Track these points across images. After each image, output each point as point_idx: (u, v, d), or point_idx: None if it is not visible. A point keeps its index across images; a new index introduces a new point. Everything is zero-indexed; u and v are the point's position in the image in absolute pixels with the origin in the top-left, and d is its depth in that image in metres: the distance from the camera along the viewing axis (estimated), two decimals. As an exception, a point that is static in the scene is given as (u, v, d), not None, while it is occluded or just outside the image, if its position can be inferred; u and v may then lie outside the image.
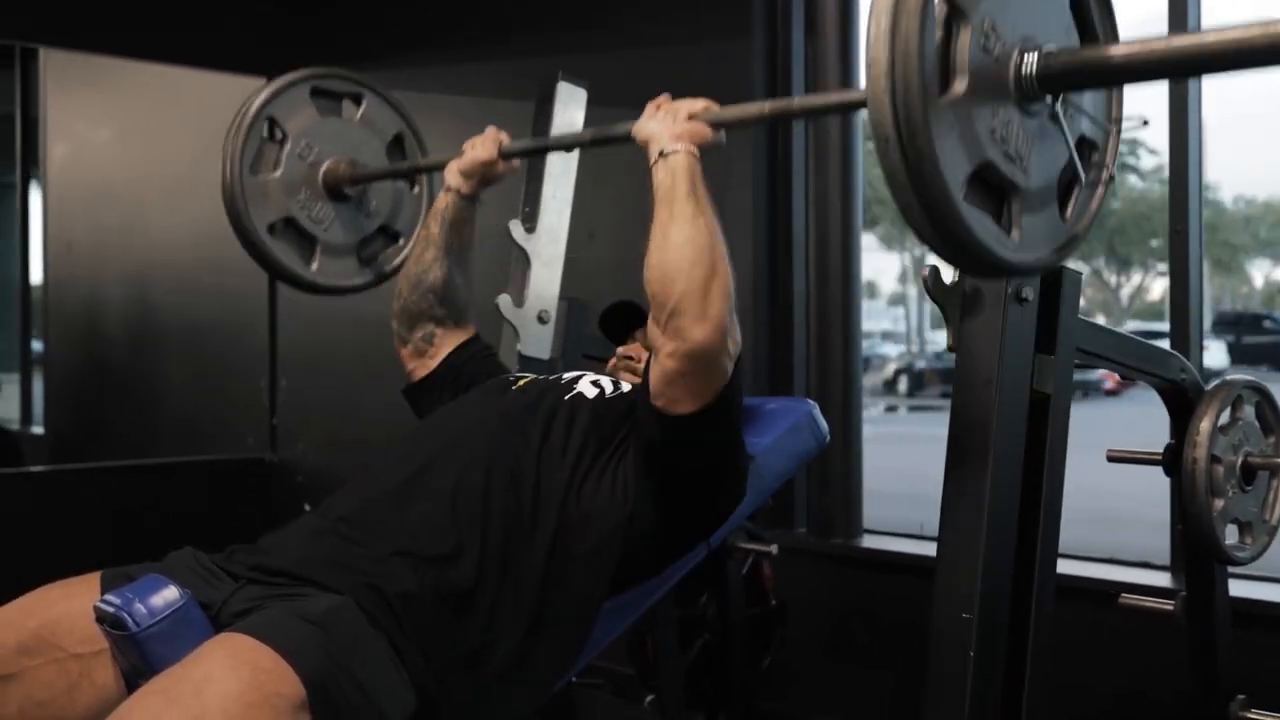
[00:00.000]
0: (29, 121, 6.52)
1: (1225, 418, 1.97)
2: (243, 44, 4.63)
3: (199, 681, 1.36)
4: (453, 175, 2.14)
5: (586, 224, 3.47)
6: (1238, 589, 2.16)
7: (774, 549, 2.80)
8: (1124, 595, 2.12)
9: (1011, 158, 1.32)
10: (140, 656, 1.48)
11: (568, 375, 1.98)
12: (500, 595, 1.65)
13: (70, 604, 1.60)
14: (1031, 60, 1.31)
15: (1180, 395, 2.00)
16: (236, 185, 2.37)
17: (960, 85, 1.24)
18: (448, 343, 2.13)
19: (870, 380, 20.62)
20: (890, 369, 20.76)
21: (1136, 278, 27.29)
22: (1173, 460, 1.97)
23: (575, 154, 2.54)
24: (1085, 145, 1.48)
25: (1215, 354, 19.02)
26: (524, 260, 2.49)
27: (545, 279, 2.50)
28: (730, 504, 1.80)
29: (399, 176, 2.55)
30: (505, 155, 2.14)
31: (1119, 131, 1.51)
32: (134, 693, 1.40)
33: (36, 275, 6.69)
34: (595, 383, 1.93)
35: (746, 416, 2.14)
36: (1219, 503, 1.93)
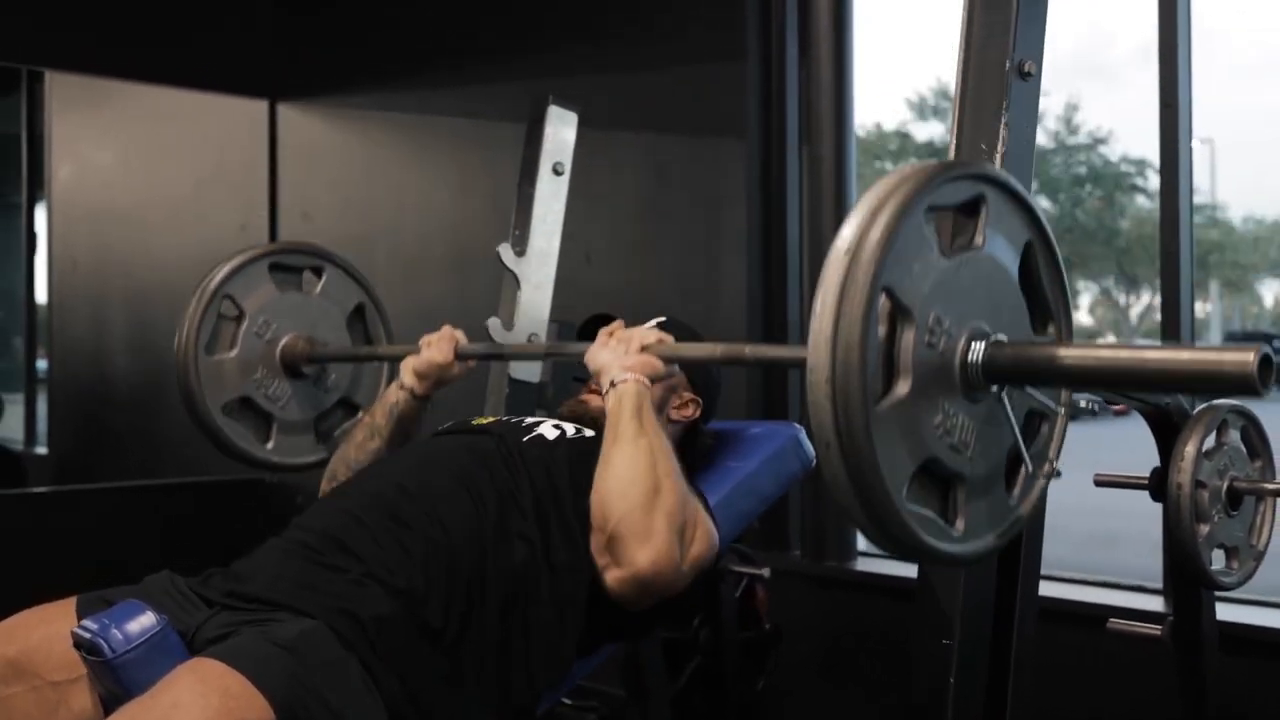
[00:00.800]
0: (35, 142, 6.57)
1: (1210, 442, 1.95)
2: (244, 67, 4.66)
3: (168, 708, 1.36)
4: (408, 374, 2.13)
5: (583, 246, 3.49)
6: (1226, 613, 2.15)
7: (766, 572, 2.80)
8: (1112, 620, 2.10)
9: (957, 449, 1.29)
10: (116, 682, 1.48)
11: (529, 419, 1.99)
12: (466, 630, 1.65)
13: (47, 630, 1.61)
14: (978, 350, 1.27)
15: (1165, 419, 1.99)
16: (191, 367, 2.35)
17: (903, 387, 1.21)
18: None
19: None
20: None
21: (1145, 297, 27.25)
22: (1158, 485, 1.96)
23: (565, 176, 2.55)
24: (1035, 419, 1.44)
25: (1225, 373, 18.92)
26: (514, 283, 2.49)
27: (535, 302, 2.50)
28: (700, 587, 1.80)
29: (357, 361, 2.54)
30: (461, 357, 2.14)
31: (1067, 415, 1.46)
32: None
33: (41, 295, 6.73)
34: (557, 426, 1.94)
35: (731, 441, 2.15)
36: (1204, 528, 1.91)
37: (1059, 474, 1.44)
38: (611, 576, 1.64)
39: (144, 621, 1.50)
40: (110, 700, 1.52)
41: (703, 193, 3.42)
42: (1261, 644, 2.34)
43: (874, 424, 1.16)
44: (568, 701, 3.22)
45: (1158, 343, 1.24)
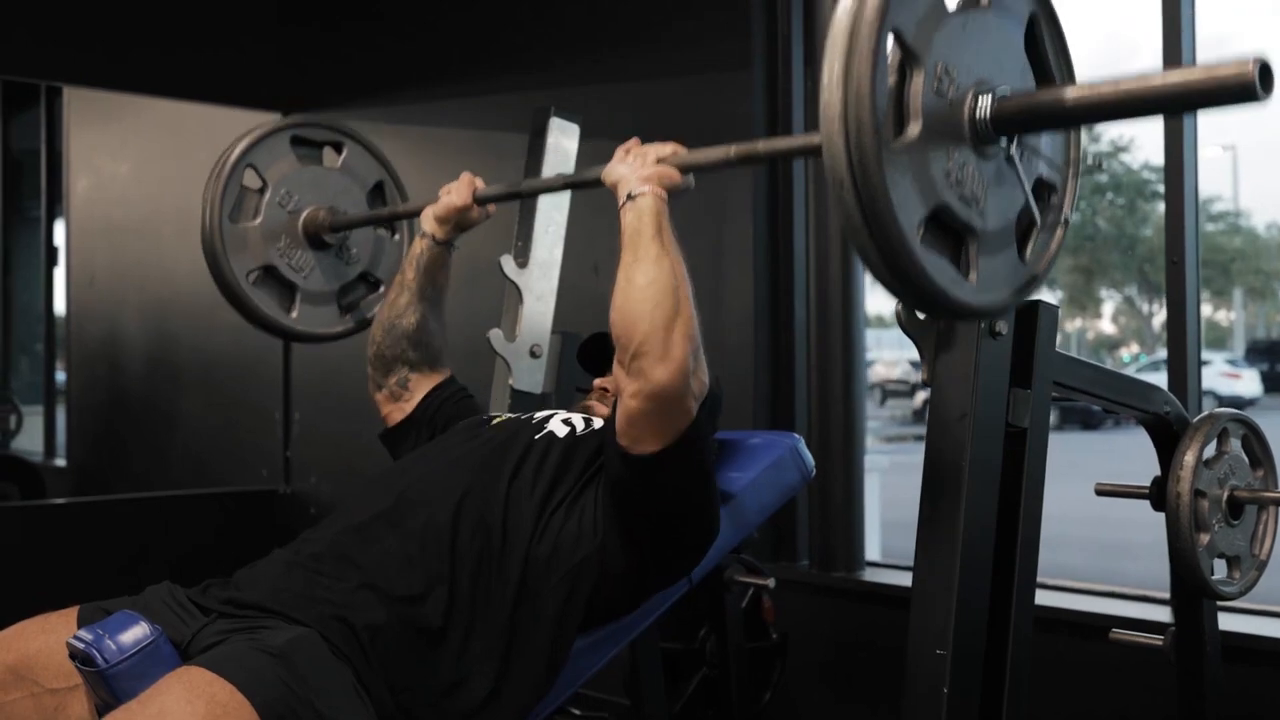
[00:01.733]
0: (53, 156, 6.63)
1: (1211, 451, 1.95)
2: (256, 80, 4.70)
3: (154, 716, 1.37)
4: (428, 221, 2.16)
5: (591, 257, 3.49)
6: (1230, 623, 2.14)
7: (771, 582, 2.79)
8: (1114, 630, 2.10)
9: (968, 200, 1.33)
10: (110, 692, 1.49)
11: (539, 415, 1.99)
12: (469, 634, 1.66)
13: (47, 639, 1.62)
14: (986, 103, 1.32)
15: (1165, 428, 1.98)
16: (216, 233, 2.37)
17: (914, 129, 1.25)
18: (422, 387, 2.15)
19: (902, 409, 20.54)
20: (920, 398, 20.69)
21: (1169, 305, 27.00)
22: (1158, 494, 1.95)
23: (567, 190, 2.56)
24: (1044, 187, 1.48)
25: (1249, 382, 18.83)
26: (516, 294, 2.50)
27: (538, 313, 2.50)
28: (701, 540, 1.80)
29: (377, 223, 2.56)
30: (480, 201, 2.16)
31: (1077, 174, 1.51)
32: None
33: (60, 308, 6.79)
34: (566, 421, 1.94)
35: (730, 451, 2.14)
36: (1204, 537, 1.91)
37: (1069, 219, 1.49)
38: (629, 389, 1.65)
39: (137, 632, 1.51)
40: (105, 709, 1.53)
41: (709, 202, 3.42)
42: (1265, 654, 2.32)
43: (887, 161, 1.20)
44: (576, 712, 3.22)
45: (1158, 70, 1.29)
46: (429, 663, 1.63)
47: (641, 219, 1.72)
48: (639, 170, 1.77)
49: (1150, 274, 25.89)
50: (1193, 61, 2.64)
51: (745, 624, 2.88)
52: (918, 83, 1.26)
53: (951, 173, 1.30)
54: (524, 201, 2.54)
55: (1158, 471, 1.97)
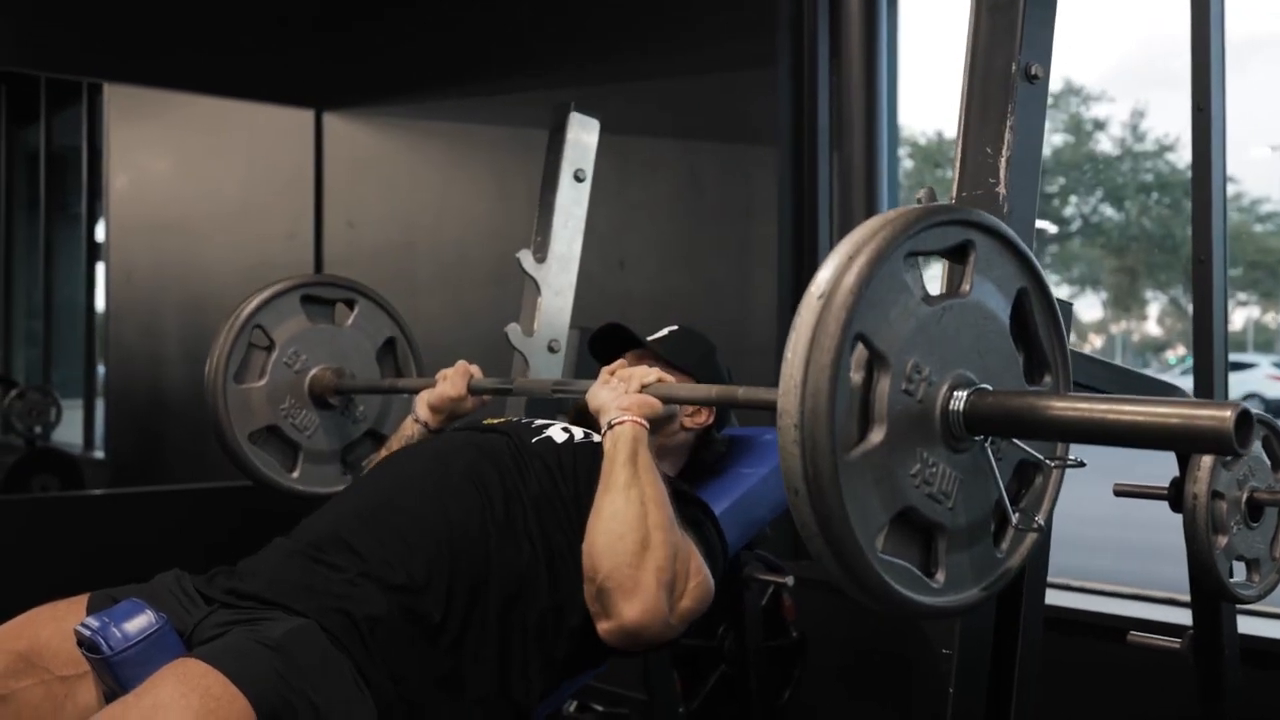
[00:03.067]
0: (94, 153, 6.70)
1: (1230, 452, 1.92)
2: (293, 78, 4.74)
3: (149, 710, 1.38)
4: (422, 408, 2.17)
5: (618, 253, 3.50)
6: (1249, 626, 2.11)
7: (790, 580, 2.78)
8: (1132, 632, 2.07)
9: (936, 499, 1.26)
10: (114, 679, 1.51)
11: (538, 421, 2.00)
12: (468, 627, 1.66)
13: (57, 626, 1.64)
14: (959, 402, 1.24)
15: (1183, 428, 1.95)
16: (219, 395, 2.38)
17: (877, 435, 1.19)
18: None
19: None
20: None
21: (1216, 307, 26.64)
22: (1177, 496, 1.92)
23: (586, 183, 2.56)
24: (1028, 468, 1.40)
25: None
26: (534, 289, 2.51)
27: (556, 308, 2.51)
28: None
29: (380, 393, 2.56)
30: (474, 391, 2.16)
31: (1062, 468, 1.41)
32: None
33: (100, 304, 6.86)
34: (565, 429, 1.95)
35: (742, 447, 2.14)
36: (1222, 539, 1.88)
37: (1040, 529, 1.38)
38: (601, 627, 1.65)
39: (142, 621, 1.52)
40: (112, 697, 1.54)
41: (735, 199, 3.41)
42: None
43: (843, 472, 1.14)
44: (598, 708, 3.22)
45: (1153, 398, 1.18)
46: (430, 652, 1.63)
47: (617, 446, 1.73)
48: (620, 400, 1.79)
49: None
50: (1221, 60, 2.60)
51: (765, 622, 2.88)
52: (884, 385, 1.19)
53: (919, 474, 1.23)
54: (543, 196, 2.56)
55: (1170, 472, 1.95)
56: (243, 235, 5.23)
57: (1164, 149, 24.12)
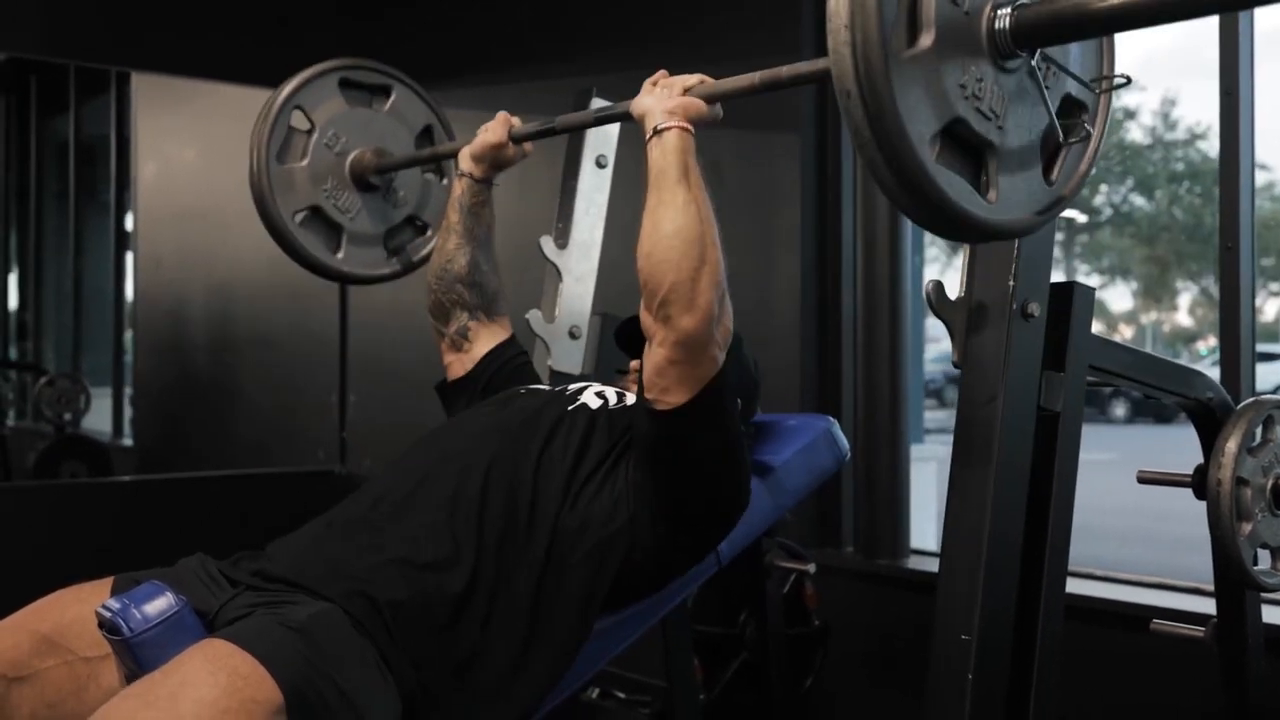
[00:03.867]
0: (123, 142, 6.75)
1: (1256, 438, 1.90)
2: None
3: (175, 687, 1.38)
4: (465, 160, 2.16)
5: (635, 239, 3.48)
6: (1274, 615, 2.09)
7: (812, 568, 2.78)
8: (1155, 621, 2.06)
9: (986, 115, 1.27)
10: (135, 660, 1.51)
11: (573, 386, 1.99)
12: (494, 602, 1.66)
13: (81, 608, 1.65)
14: (1005, 14, 1.26)
15: (1208, 415, 1.94)
16: (263, 174, 2.39)
17: (926, 40, 1.20)
18: (483, 340, 2.15)
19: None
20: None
21: (1247, 297, 26.40)
22: (1201, 483, 1.91)
23: (609, 169, 2.55)
24: (1072, 105, 1.41)
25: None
26: (555, 275, 2.50)
27: (577, 294, 2.50)
28: (731, 506, 1.78)
29: (419, 163, 2.55)
30: (515, 139, 2.14)
31: (1110, 89, 1.43)
32: (115, 697, 1.44)
33: (129, 291, 6.92)
34: (600, 394, 1.94)
35: (764, 433, 2.13)
36: (1246, 526, 1.86)
37: (1091, 133, 1.41)
38: (658, 335, 1.65)
39: (162, 603, 1.53)
40: (131, 678, 1.55)
41: (758, 187, 3.40)
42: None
43: (894, 70, 1.16)
44: (621, 695, 3.23)
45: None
46: (451, 634, 1.62)
47: (667, 156, 1.71)
48: (664, 102, 1.75)
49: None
50: (1250, 43, 2.58)
51: (786, 609, 2.87)
52: None
53: (968, 86, 1.24)
54: (565, 183, 2.55)
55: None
56: (267, 224, 5.26)
57: (1195, 137, 23.90)
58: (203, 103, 5.72)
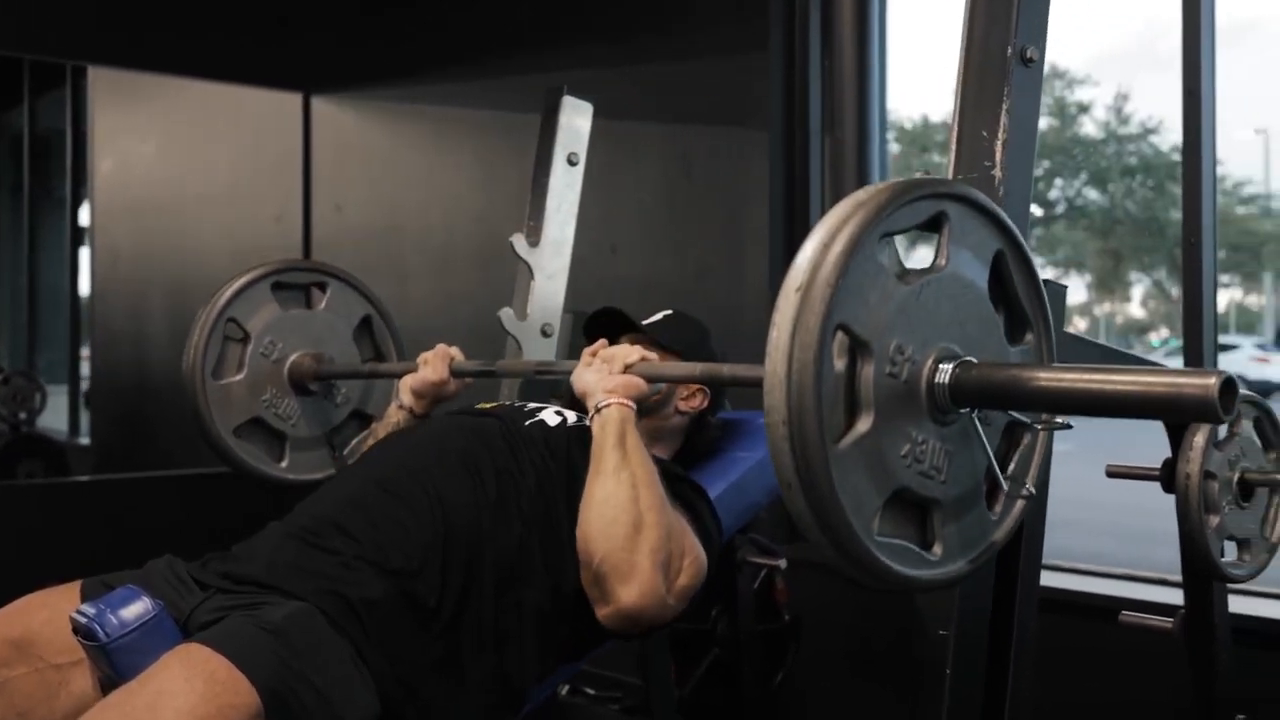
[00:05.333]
0: (79, 137, 6.65)
1: (1222, 432, 1.93)
2: (278, 60, 4.71)
3: (153, 696, 1.38)
4: (406, 394, 2.15)
5: (609, 237, 3.49)
6: (1240, 605, 2.12)
7: (783, 563, 2.79)
8: (1124, 613, 2.08)
9: (928, 475, 1.26)
10: (111, 666, 1.50)
11: (531, 405, 2.00)
12: (464, 610, 1.66)
13: (50, 613, 1.64)
14: (944, 377, 1.24)
15: (1176, 410, 1.96)
16: (200, 393, 2.36)
17: (865, 422, 1.19)
18: None
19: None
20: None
21: (1199, 289, 26.74)
22: (1169, 476, 1.94)
23: (580, 167, 2.55)
24: (1016, 429, 1.40)
25: (1279, 367, 18.65)
26: (527, 273, 2.50)
27: (549, 292, 2.51)
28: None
29: (360, 378, 2.54)
30: (456, 374, 2.15)
31: (1049, 430, 1.41)
32: (92, 709, 1.42)
33: (84, 288, 6.82)
34: (558, 412, 1.95)
35: (737, 430, 2.14)
36: (1214, 519, 1.89)
37: (1030, 495, 1.39)
38: (600, 612, 1.65)
39: (138, 608, 1.52)
40: (108, 684, 1.54)
41: (726, 183, 3.41)
42: (1276, 637, 2.30)
43: (833, 463, 1.14)
44: (590, 691, 3.23)
45: (1133, 367, 1.18)
46: (426, 635, 1.63)
47: (605, 429, 1.72)
48: (605, 381, 1.78)
49: (1179, 257, 25.57)
50: (1211, 43, 2.60)
51: (757, 605, 2.89)
52: (868, 371, 1.19)
53: (909, 453, 1.24)
54: (536, 180, 2.55)
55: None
56: (230, 219, 5.21)
57: (1148, 131, 24.17)
58: (162, 98, 5.65)
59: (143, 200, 5.98)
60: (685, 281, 3.47)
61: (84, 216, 6.90)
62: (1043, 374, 1.25)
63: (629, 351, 1.82)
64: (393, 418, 2.16)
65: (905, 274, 1.24)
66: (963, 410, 1.27)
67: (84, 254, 6.97)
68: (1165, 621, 2.02)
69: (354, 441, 2.48)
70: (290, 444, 2.47)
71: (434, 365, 2.13)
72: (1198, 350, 2.57)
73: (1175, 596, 2.56)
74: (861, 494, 1.19)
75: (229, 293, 2.41)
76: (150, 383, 5.99)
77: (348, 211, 4.62)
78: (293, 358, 2.46)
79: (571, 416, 1.93)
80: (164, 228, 5.77)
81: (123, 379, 6.23)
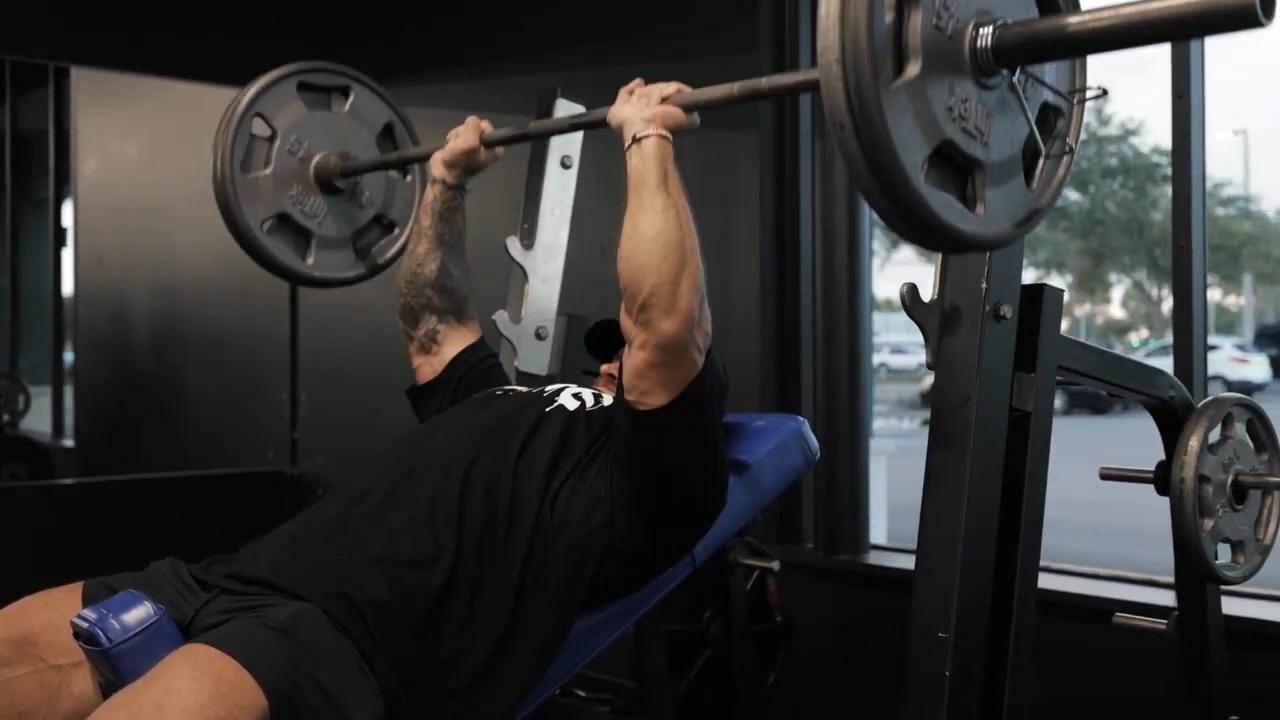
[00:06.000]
0: (61, 137, 6.63)
1: (1215, 436, 1.94)
2: (266, 62, 4.67)
3: (160, 696, 1.37)
4: (437, 166, 2.16)
5: (598, 238, 3.47)
6: (1233, 607, 2.14)
7: (776, 565, 2.80)
8: (1118, 614, 2.10)
9: (971, 134, 1.32)
10: (113, 671, 1.49)
11: (550, 388, 1.99)
12: (473, 600, 1.66)
13: (51, 615, 1.63)
14: (986, 34, 1.30)
15: (1169, 413, 1.98)
16: (228, 184, 2.36)
17: (914, 67, 1.24)
18: (452, 342, 2.16)
19: (909, 391, 20.49)
20: (928, 380, 20.56)
21: (1179, 290, 26.94)
22: (1163, 479, 1.95)
23: (574, 170, 2.55)
24: (1050, 113, 1.46)
25: (1258, 368, 18.78)
26: (522, 276, 2.50)
27: (543, 295, 2.50)
28: (708, 505, 1.80)
29: (387, 167, 2.54)
30: (487, 143, 2.15)
31: (1083, 101, 1.49)
32: (99, 708, 1.42)
33: (68, 288, 6.80)
34: (577, 395, 1.95)
35: (735, 433, 2.15)
36: (1209, 522, 1.91)
37: (1072, 149, 1.46)
38: (639, 339, 1.67)
39: (140, 612, 1.51)
40: (109, 688, 1.53)
41: (716, 186, 3.41)
42: (1268, 638, 2.32)
43: (886, 101, 1.19)
44: (581, 693, 3.23)
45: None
46: (432, 633, 1.63)
47: (646, 163, 1.72)
48: (643, 111, 1.77)
49: (1160, 259, 25.72)
50: (1200, 47, 2.63)
51: (750, 606, 2.89)
52: (916, 20, 1.24)
53: (954, 108, 1.29)
54: (529, 183, 2.54)
55: (1163, 456, 1.97)
56: (215, 220, 5.16)
57: (1128, 133, 24.35)
58: (147, 98, 5.64)
59: (127, 201, 5.96)
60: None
61: (67, 217, 6.88)
62: (1083, 17, 1.28)
63: (665, 85, 1.81)
64: (428, 197, 2.17)
65: None
66: (1003, 73, 1.32)
67: (67, 255, 6.95)
68: (1159, 623, 2.03)
69: (382, 241, 2.55)
70: (316, 242, 2.47)
71: (465, 135, 2.13)
72: (1188, 351, 2.60)
73: (1165, 597, 2.59)
74: (911, 139, 1.23)
75: (256, 88, 2.39)
76: (136, 384, 5.97)
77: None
78: (318, 156, 2.45)
79: (590, 399, 1.93)
80: (148, 229, 5.75)
81: (107, 381, 6.21)
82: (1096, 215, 23.81)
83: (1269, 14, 1.13)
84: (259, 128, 2.43)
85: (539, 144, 2.54)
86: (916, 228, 1.29)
